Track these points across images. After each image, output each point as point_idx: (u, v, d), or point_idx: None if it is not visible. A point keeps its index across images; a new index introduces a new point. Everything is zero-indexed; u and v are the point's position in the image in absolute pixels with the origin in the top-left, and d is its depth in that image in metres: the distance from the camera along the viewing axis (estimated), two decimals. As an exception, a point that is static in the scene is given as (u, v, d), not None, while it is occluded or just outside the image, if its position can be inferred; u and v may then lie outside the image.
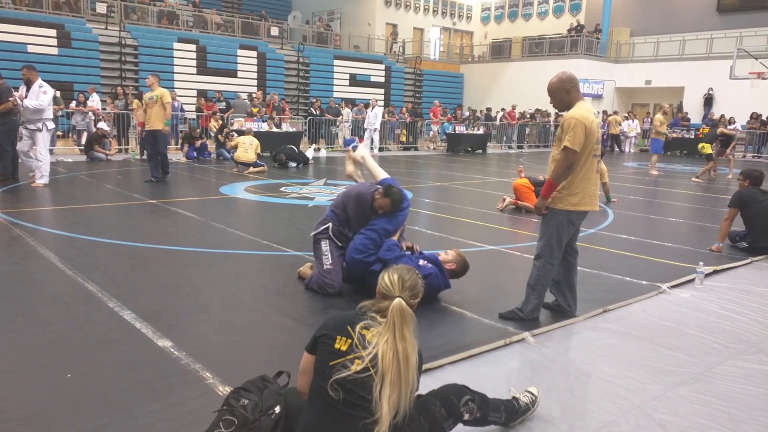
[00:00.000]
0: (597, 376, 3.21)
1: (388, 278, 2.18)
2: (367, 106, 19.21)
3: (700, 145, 14.30)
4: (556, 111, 4.00)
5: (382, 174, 4.75)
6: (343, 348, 2.09)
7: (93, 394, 2.74)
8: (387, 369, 2.02)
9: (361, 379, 2.04)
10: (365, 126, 18.31)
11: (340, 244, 4.44)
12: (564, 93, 3.80)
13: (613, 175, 12.72)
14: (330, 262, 4.32)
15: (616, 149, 23.41)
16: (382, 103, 24.49)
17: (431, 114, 21.97)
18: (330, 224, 4.47)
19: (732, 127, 19.32)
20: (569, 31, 27.21)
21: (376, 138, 18.16)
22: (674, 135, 22.19)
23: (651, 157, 14.98)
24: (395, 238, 4.45)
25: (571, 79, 3.83)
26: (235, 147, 12.56)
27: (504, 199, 8.57)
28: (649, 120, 22.27)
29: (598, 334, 3.83)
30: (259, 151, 12.74)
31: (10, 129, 9.02)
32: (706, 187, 12.37)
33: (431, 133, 21.81)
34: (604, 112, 23.99)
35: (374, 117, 17.88)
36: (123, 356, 3.15)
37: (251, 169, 12.06)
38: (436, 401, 2.28)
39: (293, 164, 13.52)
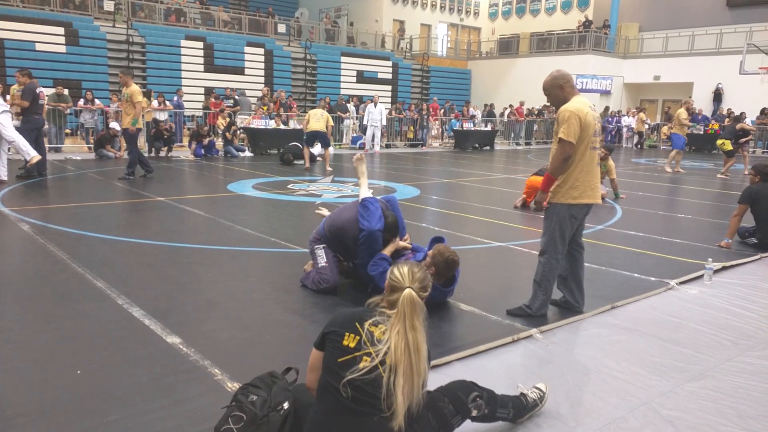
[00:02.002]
0: (605, 372, 3.20)
1: (398, 271, 2.20)
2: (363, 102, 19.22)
3: (719, 142, 14.00)
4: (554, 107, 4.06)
5: (365, 193, 4.55)
6: (352, 345, 2.10)
7: (102, 391, 2.76)
8: (399, 360, 2.03)
9: (370, 378, 2.04)
10: (366, 123, 18.22)
11: (339, 256, 4.46)
12: (558, 89, 3.86)
13: (622, 171, 12.66)
14: (324, 260, 4.34)
15: (629, 145, 23.32)
16: (389, 99, 24.49)
17: (431, 110, 21.89)
18: (325, 245, 4.44)
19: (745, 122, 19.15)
20: (577, 26, 27.08)
21: (378, 134, 18.12)
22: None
23: (670, 152, 14.57)
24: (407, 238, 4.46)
25: (564, 75, 3.89)
26: (308, 121, 12.72)
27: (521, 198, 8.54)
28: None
29: (606, 331, 3.82)
30: (331, 123, 13.25)
31: (33, 128, 9.46)
32: (716, 183, 12.29)
33: (429, 131, 21.75)
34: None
35: (378, 113, 17.82)
36: (132, 353, 3.17)
37: (314, 160, 12.85)
38: (444, 397, 2.28)
39: (301, 162, 13.53)
